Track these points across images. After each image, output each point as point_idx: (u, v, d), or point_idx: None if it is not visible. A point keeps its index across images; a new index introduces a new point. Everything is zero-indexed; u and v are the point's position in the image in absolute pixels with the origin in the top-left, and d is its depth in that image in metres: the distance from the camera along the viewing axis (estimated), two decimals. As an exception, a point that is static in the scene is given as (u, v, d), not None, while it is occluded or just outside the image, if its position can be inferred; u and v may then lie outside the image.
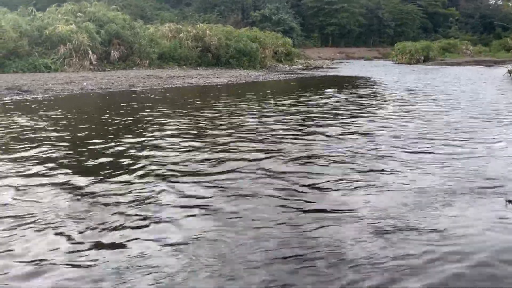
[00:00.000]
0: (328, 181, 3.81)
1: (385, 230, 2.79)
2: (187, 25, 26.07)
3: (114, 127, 6.47)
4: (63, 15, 19.28)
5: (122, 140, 5.47)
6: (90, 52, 17.89)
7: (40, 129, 6.15)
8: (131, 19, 22.31)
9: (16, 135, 5.74)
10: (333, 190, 3.60)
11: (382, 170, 4.19)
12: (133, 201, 3.29)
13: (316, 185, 3.73)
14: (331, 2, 55.25)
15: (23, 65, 15.97)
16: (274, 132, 6.04)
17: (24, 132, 5.89)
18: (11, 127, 6.31)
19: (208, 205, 3.22)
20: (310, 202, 3.34)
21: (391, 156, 4.73)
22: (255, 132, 6.08)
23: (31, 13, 19.40)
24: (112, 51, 19.03)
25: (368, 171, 4.16)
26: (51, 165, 4.26)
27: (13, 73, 15.29)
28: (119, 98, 10.47)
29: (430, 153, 4.92)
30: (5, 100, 9.39)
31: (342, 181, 3.82)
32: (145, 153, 4.83)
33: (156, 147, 5.11)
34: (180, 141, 5.44)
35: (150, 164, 4.32)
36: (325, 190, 3.62)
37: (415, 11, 65.13)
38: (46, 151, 4.85)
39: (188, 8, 49.44)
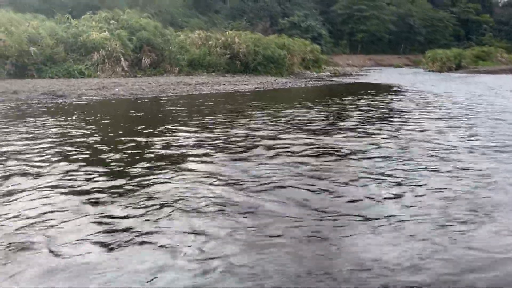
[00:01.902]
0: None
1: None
2: (216, 32, 26.44)
3: (144, 131, 6.60)
4: (97, 23, 19.90)
5: (152, 141, 5.58)
6: (122, 59, 18.38)
7: (73, 134, 6.34)
8: (162, 27, 22.82)
9: (47, 139, 5.94)
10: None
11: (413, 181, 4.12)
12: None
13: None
14: (360, 9, 54.88)
15: (58, 71, 16.57)
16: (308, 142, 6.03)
17: (57, 136, 6.10)
18: (39, 131, 6.53)
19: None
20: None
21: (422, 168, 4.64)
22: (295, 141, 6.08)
23: (67, 21, 20.11)
24: (143, 58, 19.49)
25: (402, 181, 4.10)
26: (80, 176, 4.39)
27: (48, 78, 15.88)
28: (149, 104, 10.68)
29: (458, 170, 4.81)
30: (41, 105, 9.73)
31: (379, 190, 3.78)
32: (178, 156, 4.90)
33: (189, 151, 5.18)
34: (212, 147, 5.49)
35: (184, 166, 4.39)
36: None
37: (447, 18, 63.88)
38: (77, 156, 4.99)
39: (217, 15, 50.03)
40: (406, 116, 8.77)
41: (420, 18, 62.69)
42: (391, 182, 4.08)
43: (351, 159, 5.04)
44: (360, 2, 54.93)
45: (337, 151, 5.41)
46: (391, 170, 4.52)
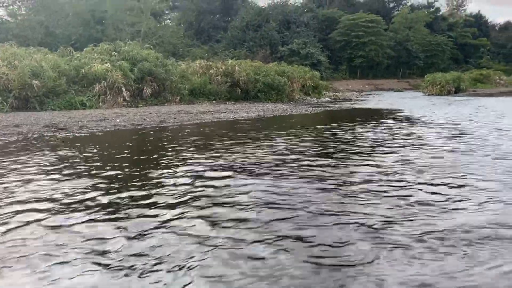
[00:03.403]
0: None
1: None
2: (217, 61, 26.85)
3: (142, 163, 6.60)
4: (99, 55, 20.22)
5: (149, 174, 5.57)
6: (124, 89, 18.56)
7: (68, 167, 6.34)
8: (164, 57, 23.15)
9: (43, 173, 5.93)
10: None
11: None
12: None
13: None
14: (358, 36, 55.69)
15: (60, 103, 16.72)
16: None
17: (53, 170, 6.09)
18: (36, 164, 6.53)
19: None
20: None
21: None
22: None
23: (69, 53, 20.47)
24: (144, 88, 19.68)
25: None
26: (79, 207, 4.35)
27: (50, 110, 16.01)
28: (149, 135, 10.72)
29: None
30: (42, 138, 9.76)
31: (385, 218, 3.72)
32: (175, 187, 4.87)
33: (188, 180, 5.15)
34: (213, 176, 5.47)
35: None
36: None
37: (445, 42, 64.73)
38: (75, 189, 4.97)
39: (218, 44, 50.81)
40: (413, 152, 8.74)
41: (418, 43, 63.49)
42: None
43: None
44: (357, 29, 55.78)
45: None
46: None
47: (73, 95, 17.40)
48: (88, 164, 6.54)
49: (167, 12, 53.64)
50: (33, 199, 4.61)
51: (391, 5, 77.06)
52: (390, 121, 14.36)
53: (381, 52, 57.30)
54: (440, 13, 76.93)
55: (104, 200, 4.59)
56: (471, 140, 9.06)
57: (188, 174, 5.87)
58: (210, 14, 58.88)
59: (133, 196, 4.76)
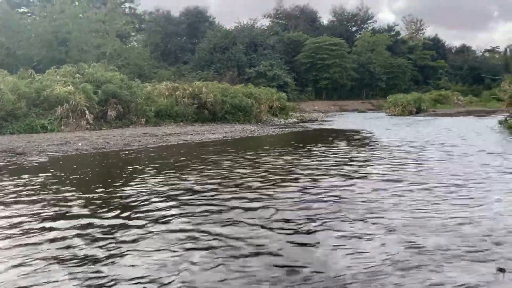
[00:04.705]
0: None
1: None
2: (183, 83, 26.77)
3: (100, 190, 6.46)
4: (61, 77, 19.78)
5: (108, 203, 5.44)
6: (87, 112, 18.16)
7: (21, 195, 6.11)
8: (129, 79, 22.87)
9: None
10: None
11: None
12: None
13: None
14: (323, 58, 57.05)
15: (19, 127, 16.15)
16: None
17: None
18: None
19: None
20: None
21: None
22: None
23: (30, 76, 19.92)
24: (109, 110, 19.33)
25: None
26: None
27: (9, 134, 15.42)
28: (112, 159, 10.50)
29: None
30: (-2, 163, 9.39)
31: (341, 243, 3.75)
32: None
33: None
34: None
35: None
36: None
37: (405, 64, 67.30)
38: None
39: (185, 66, 50.82)
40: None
41: (380, 65, 65.66)
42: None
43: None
44: (321, 52, 57.21)
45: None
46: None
47: (34, 118, 16.87)
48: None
49: (133, 34, 53.36)
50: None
51: (354, 28, 79.81)
52: (344, 144, 14.66)
53: (345, 74, 58.84)
54: (400, 36, 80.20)
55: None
56: (413, 168, 8.91)
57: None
58: (177, 36, 58.99)
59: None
